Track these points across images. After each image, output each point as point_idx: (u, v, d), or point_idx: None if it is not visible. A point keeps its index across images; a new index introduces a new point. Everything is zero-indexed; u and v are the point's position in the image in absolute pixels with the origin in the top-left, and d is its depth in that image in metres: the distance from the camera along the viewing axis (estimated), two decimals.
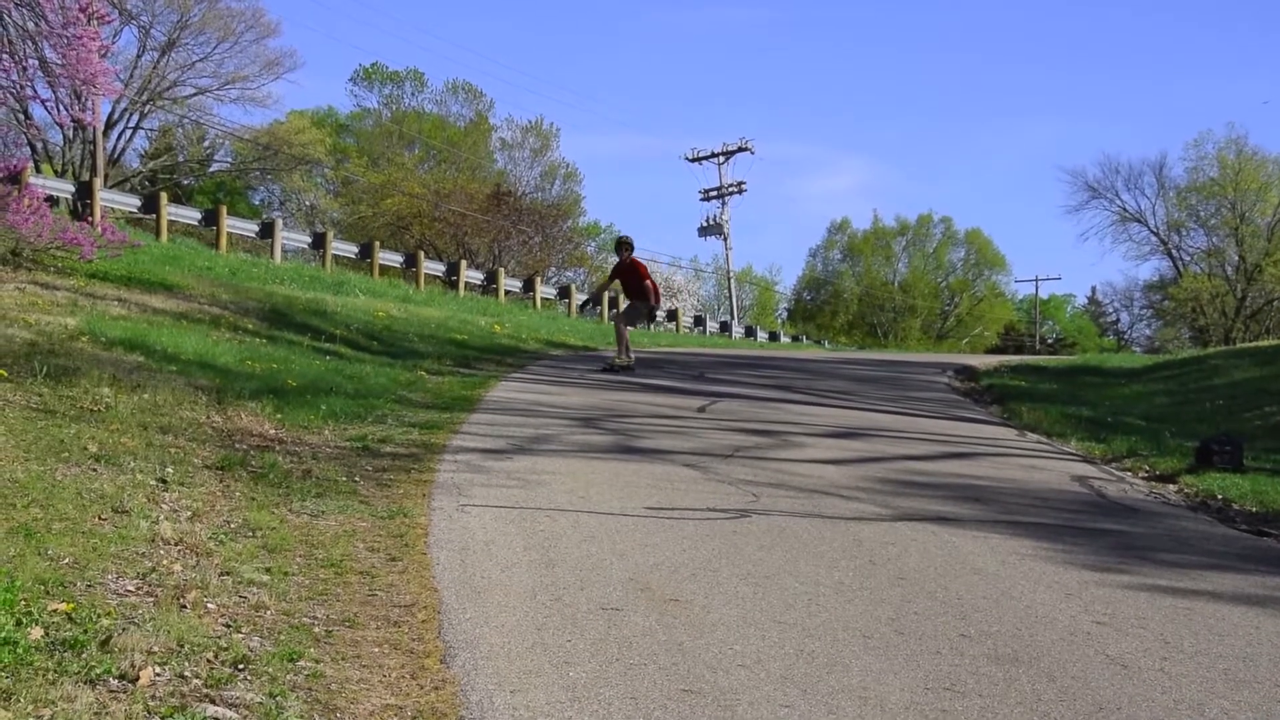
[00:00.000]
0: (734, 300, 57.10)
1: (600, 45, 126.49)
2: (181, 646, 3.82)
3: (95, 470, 5.99)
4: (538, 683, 3.82)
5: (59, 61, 12.32)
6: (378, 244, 30.52)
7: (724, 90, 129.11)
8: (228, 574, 4.76)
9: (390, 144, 53.46)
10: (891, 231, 76.15)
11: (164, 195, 26.13)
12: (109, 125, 37.44)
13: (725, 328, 45.41)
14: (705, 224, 55.45)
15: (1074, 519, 7.18)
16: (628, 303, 15.96)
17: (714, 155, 55.01)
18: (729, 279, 57.26)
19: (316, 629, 4.26)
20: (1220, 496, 8.17)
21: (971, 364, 21.71)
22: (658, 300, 15.81)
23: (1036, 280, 72.77)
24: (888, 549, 5.95)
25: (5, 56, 12.40)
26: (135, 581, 4.46)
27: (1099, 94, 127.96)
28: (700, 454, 8.57)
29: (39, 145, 33.80)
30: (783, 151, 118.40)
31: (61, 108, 14.54)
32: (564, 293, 35.98)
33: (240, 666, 3.76)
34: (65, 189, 24.73)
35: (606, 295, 32.20)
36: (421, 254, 32.40)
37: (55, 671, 3.45)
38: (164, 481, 6.06)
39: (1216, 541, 6.77)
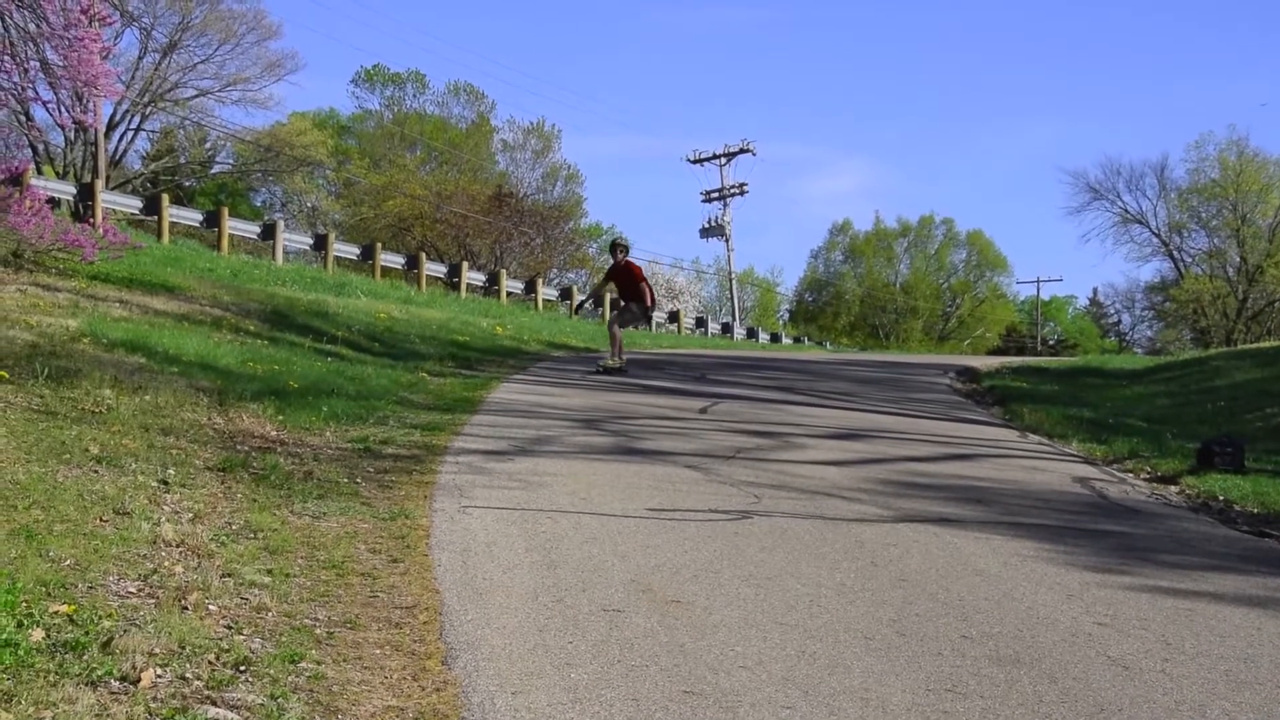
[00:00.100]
0: (736, 302, 57.09)
1: (601, 46, 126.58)
2: (183, 648, 3.82)
3: (97, 472, 5.99)
4: (539, 684, 3.82)
5: (60, 63, 12.32)
6: (379, 246, 30.53)
7: (724, 90, 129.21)
8: (229, 576, 4.76)
9: (392, 146, 53.47)
10: (893, 233, 76.15)
11: (165, 197, 26.15)
12: (110, 127, 37.44)
13: (727, 329, 45.40)
14: (707, 225, 55.46)
15: (1075, 520, 7.18)
16: (622, 305, 16.02)
17: (715, 157, 55.04)
18: (731, 280, 57.27)
19: (318, 630, 4.26)
20: (1221, 498, 8.16)
21: (973, 365, 21.70)
22: (653, 302, 15.84)
23: (1038, 282, 72.89)
24: (889, 550, 5.95)
25: (7, 58, 12.40)
26: (137, 583, 4.46)
27: (1099, 94, 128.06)
28: (702, 455, 8.57)
29: (40, 147, 33.81)
30: (783, 152, 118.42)
31: (63, 109, 14.53)
32: (566, 294, 35.99)
33: (242, 668, 3.76)
34: (67, 191, 24.74)
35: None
36: (423, 256, 32.41)
37: (56, 673, 3.45)
38: (165, 483, 6.07)
39: (1218, 543, 6.77)
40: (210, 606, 4.33)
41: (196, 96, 40.86)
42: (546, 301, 34.46)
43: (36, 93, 13.44)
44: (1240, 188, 54.14)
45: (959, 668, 4.19)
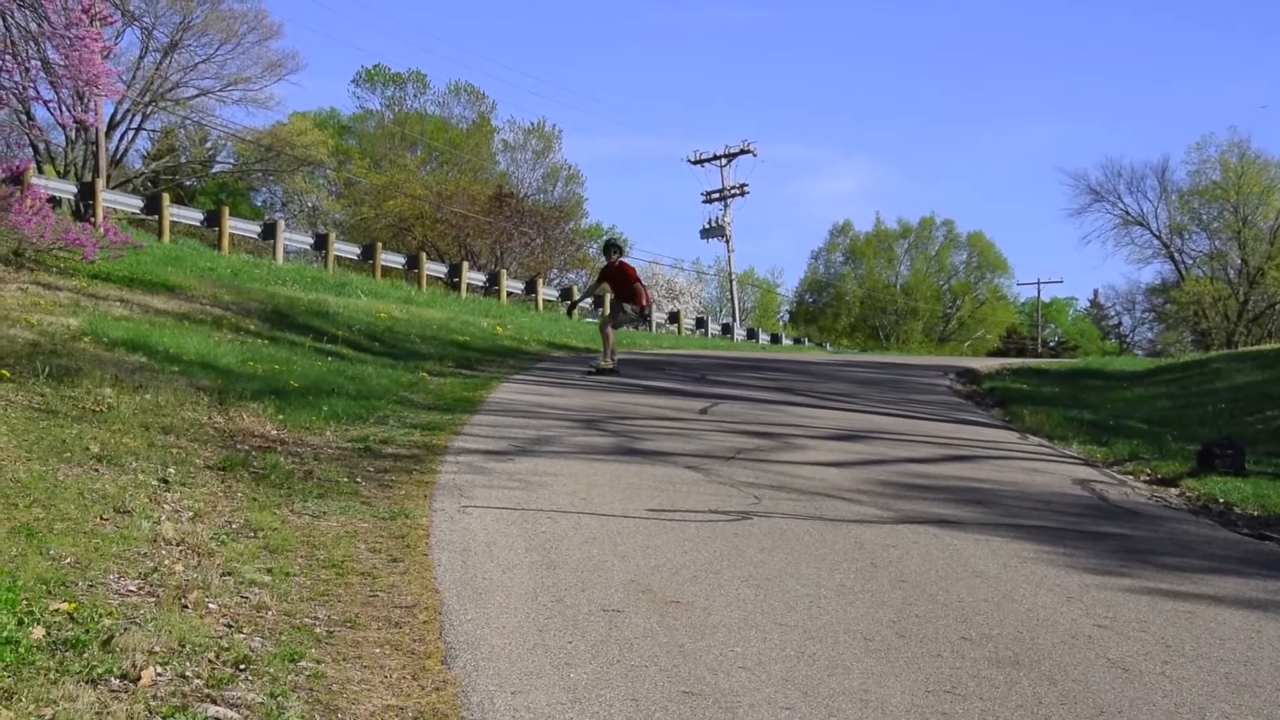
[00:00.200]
0: (736, 302, 57.10)
1: (601, 46, 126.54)
2: (183, 646, 3.82)
3: (97, 470, 6.00)
4: (539, 684, 3.82)
5: (61, 62, 12.33)
6: (380, 245, 30.54)
7: (724, 90, 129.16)
8: (229, 574, 4.76)
9: (392, 145, 53.51)
10: (893, 234, 76.19)
11: (166, 196, 26.17)
12: (111, 126, 37.49)
13: (727, 330, 45.40)
14: (707, 226, 55.47)
15: (1075, 522, 7.18)
16: (616, 305, 16.01)
17: (716, 158, 55.06)
18: (731, 281, 57.28)
19: (318, 629, 4.27)
20: (1222, 500, 8.16)
21: (973, 367, 21.71)
22: (648, 303, 15.79)
23: (1039, 283, 72.76)
24: (889, 551, 5.95)
25: (8, 57, 12.41)
26: (137, 581, 4.47)
27: (1099, 94, 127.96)
28: (702, 456, 8.57)
29: (41, 146, 33.86)
30: (784, 153, 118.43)
31: (64, 109, 14.52)
32: (566, 294, 35.97)
33: (242, 667, 3.76)
34: (68, 190, 24.76)
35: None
36: (424, 255, 32.42)
37: (57, 671, 3.45)
38: (166, 482, 6.07)
39: (1218, 545, 6.77)
40: (210, 605, 4.33)
41: (197, 96, 40.96)
42: (547, 302, 34.47)
43: (37, 92, 13.44)
44: (1241, 190, 54.18)
45: (958, 669, 4.19)
